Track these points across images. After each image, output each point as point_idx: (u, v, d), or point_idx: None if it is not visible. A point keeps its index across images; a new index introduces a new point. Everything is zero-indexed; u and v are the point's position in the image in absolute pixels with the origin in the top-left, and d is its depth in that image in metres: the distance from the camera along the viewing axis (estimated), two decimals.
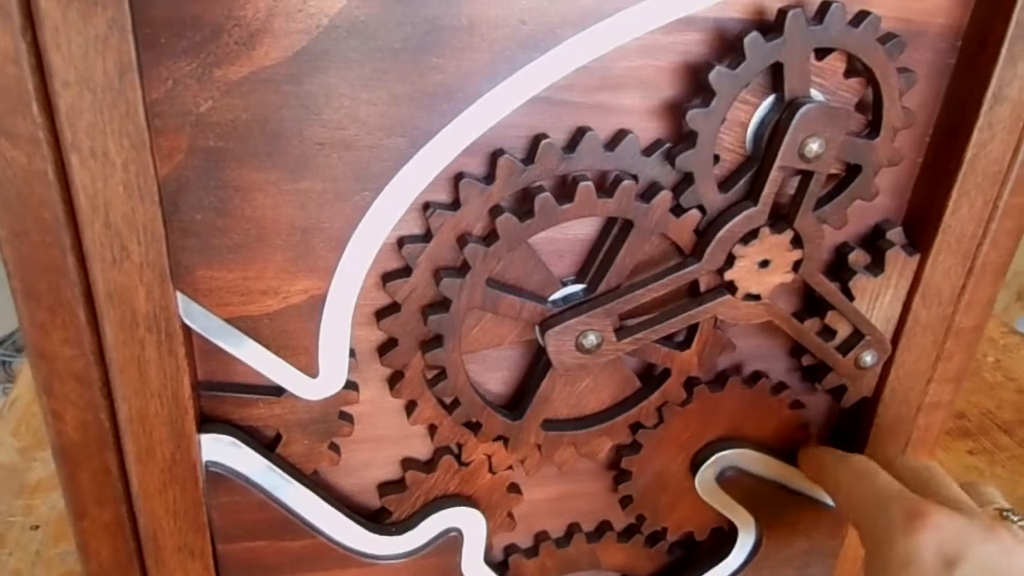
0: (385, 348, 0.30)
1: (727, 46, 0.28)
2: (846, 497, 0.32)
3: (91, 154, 0.24)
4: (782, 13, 0.26)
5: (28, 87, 0.23)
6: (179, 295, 0.27)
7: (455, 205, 0.28)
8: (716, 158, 0.29)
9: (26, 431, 0.58)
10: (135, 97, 0.23)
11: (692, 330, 0.33)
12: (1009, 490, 0.61)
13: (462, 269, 0.29)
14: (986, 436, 0.67)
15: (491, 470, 0.34)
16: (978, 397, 0.71)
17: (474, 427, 0.32)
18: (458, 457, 0.33)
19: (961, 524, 0.28)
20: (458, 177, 0.28)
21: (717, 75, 0.27)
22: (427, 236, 0.28)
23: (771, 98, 0.29)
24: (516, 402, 0.33)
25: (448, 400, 0.32)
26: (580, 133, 0.28)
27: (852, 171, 0.31)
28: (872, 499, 0.30)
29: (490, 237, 0.28)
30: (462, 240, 0.28)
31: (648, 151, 0.29)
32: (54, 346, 0.26)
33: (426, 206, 0.28)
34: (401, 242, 0.29)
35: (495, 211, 0.28)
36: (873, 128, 0.30)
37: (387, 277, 0.29)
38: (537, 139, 0.27)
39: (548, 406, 0.33)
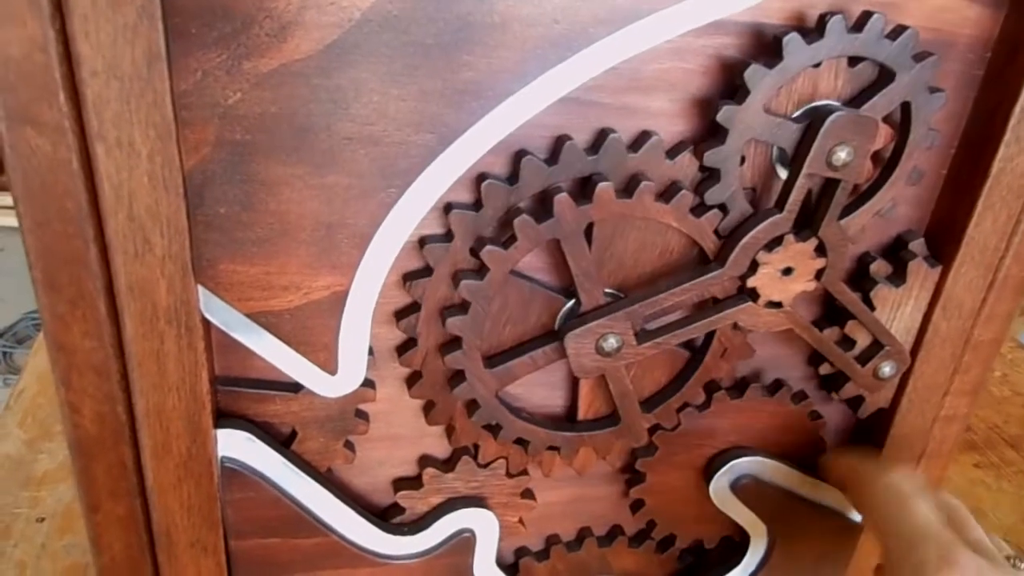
0: (404, 348, 0.30)
1: (759, 51, 0.27)
2: (882, 517, 0.32)
3: (117, 144, 0.23)
4: (823, 18, 0.26)
5: (55, 75, 0.22)
6: (200, 288, 0.27)
7: (478, 205, 0.28)
8: (742, 160, 0.29)
9: (32, 423, 0.58)
10: (163, 87, 0.23)
11: (711, 335, 0.33)
12: (1016, 504, 0.61)
13: (482, 271, 0.28)
14: (993, 450, 0.67)
15: (508, 473, 0.34)
16: (985, 411, 0.71)
17: (493, 429, 0.32)
18: (475, 458, 0.33)
19: (988, 573, 0.28)
20: (481, 177, 0.28)
21: (753, 72, 0.26)
22: (450, 235, 0.28)
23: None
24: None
25: (466, 402, 0.31)
26: (604, 135, 0.27)
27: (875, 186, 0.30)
28: (909, 530, 0.30)
29: (510, 240, 0.28)
30: (481, 242, 0.28)
31: (672, 153, 0.28)
32: (74, 338, 0.26)
33: (447, 207, 0.28)
34: (423, 241, 0.28)
35: (514, 212, 0.28)
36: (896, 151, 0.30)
37: (408, 276, 0.29)
38: (561, 140, 0.27)
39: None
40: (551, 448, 0.33)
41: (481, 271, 0.28)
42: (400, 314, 0.30)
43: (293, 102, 0.25)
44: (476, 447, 0.33)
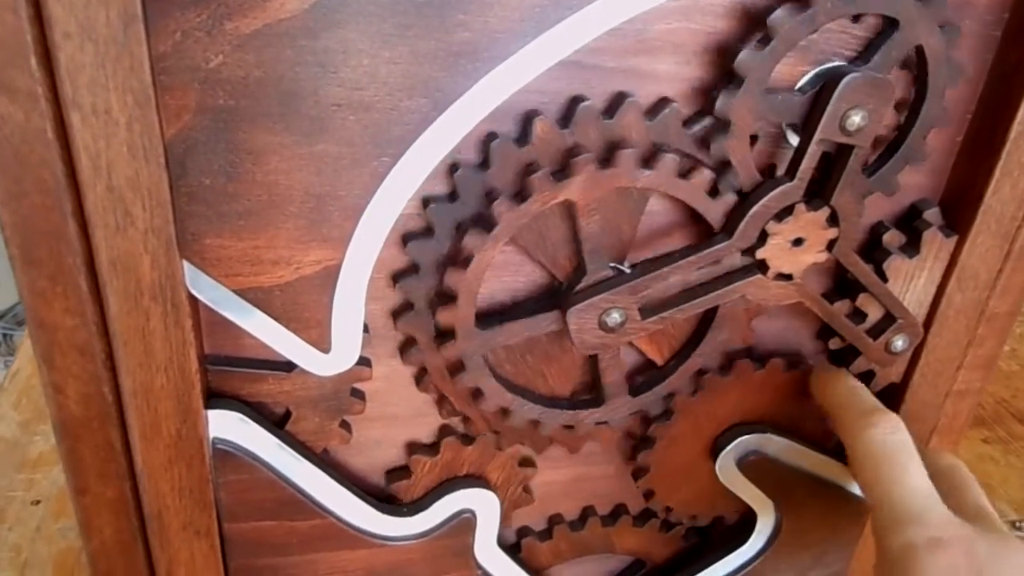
0: (400, 312, 0.29)
1: (767, 8, 0.26)
2: (866, 481, 0.30)
3: (93, 112, 0.22)
4: None
5: (26, 38, 0.21)
6: (186, 264, 0.26)
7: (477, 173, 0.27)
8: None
9: (27, 404, 0.57)
10: (140, 51, 0.22)
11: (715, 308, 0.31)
12: None
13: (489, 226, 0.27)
14: (1001, 425, 0.66)
15: (499, 447, 0.33)
16: (993, 386, 0.70)
17: (477, 396, 0.31)
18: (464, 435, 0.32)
19: (983, 548, 0.27)
20: (486, 139, 0.26)
21: (778, 17, 0.25)
22: (453, 196, 0.27)
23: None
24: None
25: (453, 364, 0.30)
26: (613, 99, 0.26)
27: (901, 134, 0.29)
28: (896, 503, 0.29)
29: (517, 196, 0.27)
30: (490, 196, 0.27)
31: (684, 121, 0.27)
32: (55, 316, 0.25)
33: (453, 167, 0.27)
34: (426, 202, 0.27)
35: (528, 169, 0.27)
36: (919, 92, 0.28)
37: (408, 237, 0.28)
38: (568, 103, 0.26)
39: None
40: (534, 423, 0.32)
41: (488, 226, 0.27)
42: (398, 276, 0.28)
43: (278, 65, 0.23)
44: (466, 420, 0.32)
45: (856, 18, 0.27)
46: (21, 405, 0.58)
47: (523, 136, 0.26)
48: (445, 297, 0.28)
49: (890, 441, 0.30)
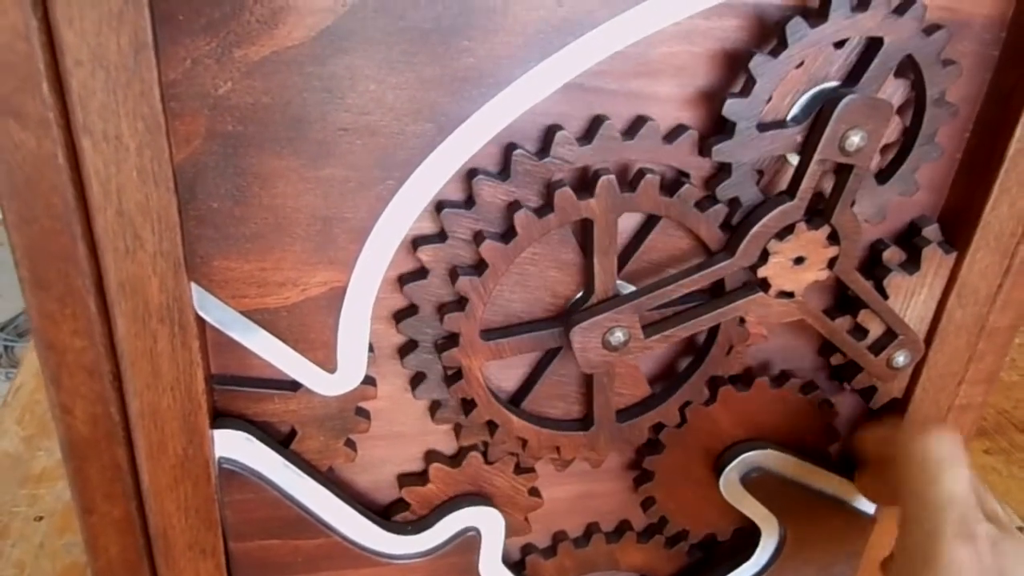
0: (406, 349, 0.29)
1: (767, 33, 0.26)
2: (909, 483, 0.30)
3: (104, 137, 0.23)
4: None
5: (38, 65, 0.21)
6: (194, 286, 0.26)
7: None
8: None
9: (31, 419, 0.57)
10: (151, 77, 0.22)
11: (716, 328, 0.32)
12: None
13: (480, 266, 0.28)
14: (1003, 435, 0.66)
15: (517, 469, 0.33)
16: (994, 397, 0.70)
17: (492, 427, 0.31)
18: (484, 455, 0.32)
19: (1008, 546, 0.28)
20: (507, 152, 0.27)
21: (758, 62, 0.26)
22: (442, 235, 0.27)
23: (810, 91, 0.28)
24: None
25: (464, 399, 0.30)
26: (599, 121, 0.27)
27: (909, 139, 0.29)
28: (933, 496, 0.29)
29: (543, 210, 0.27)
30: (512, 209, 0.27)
31: (680, 141, 0.28)
32: (64, 337, 0.25)
33: (471, 172, 0.27)
34: (440, 206, 0.27)
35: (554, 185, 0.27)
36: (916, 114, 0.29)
37: (407, 276, 0.28)
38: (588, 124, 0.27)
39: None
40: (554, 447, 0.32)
41: (506, 236, 0.27)
42: (399, 315, 0.29)
43: (286, 91, 0.24)
44: (485, 444, 0.32)
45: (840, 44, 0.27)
46: (25, 420, 0.58)
47: (543, 150, 0.27)
48: (453, 306, 0.29)
49: (939, 447, 0.30)
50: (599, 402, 0.32)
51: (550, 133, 0.26)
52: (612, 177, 0.27)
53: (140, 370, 0.26)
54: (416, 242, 0.28)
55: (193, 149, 0.24)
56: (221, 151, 0.24)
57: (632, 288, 0.30)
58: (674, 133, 0.27)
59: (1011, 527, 0.29)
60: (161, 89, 0.22)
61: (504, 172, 0.27)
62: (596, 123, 0.27)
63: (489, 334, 0.29)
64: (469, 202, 0.27)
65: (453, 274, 0.28)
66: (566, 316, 0.30)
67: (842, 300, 0.33)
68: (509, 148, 0.26)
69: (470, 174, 0.27)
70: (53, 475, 0.53)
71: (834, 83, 0.28)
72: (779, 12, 0.26)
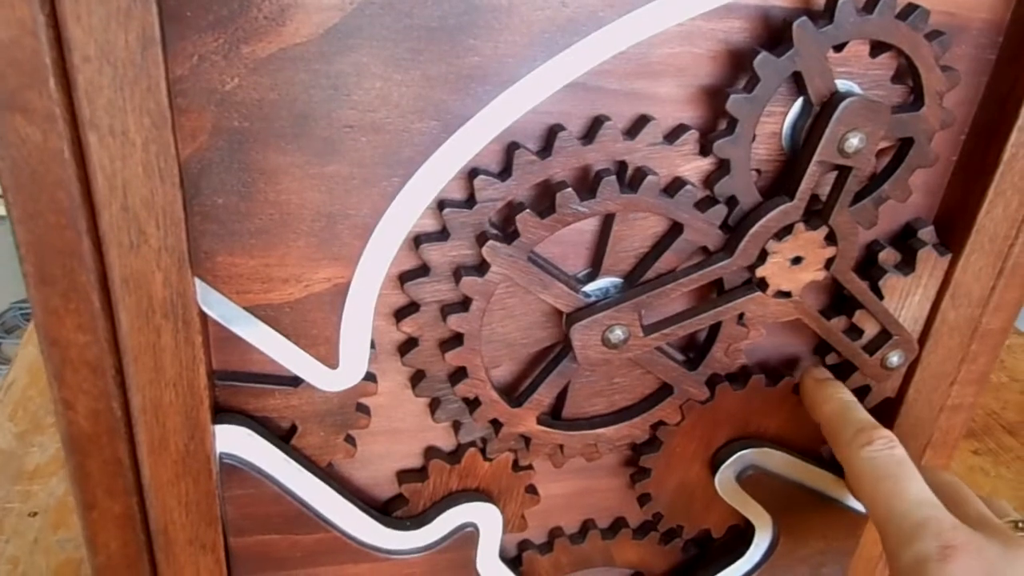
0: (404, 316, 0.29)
1: (769, 34, 0.27)
2: (868, 497, 0.30)
3: (110, 132, 0.23)
4: (832, 1, 0.25)
5: (45, 61, 0.21)
6: (197, 281, 0.26)
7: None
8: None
9: (23, 415, 0.57)
10: (158, 73, 0.22)
11: (715, 327, 0.32)
12: (1014, 490, 0.61)
13: (481, 267, 0.28)
14: (991, 437, 0.67)
15: (514, 467, 0.33)
16: (983, 398, 0.71)
17: (496, 425, 0.31)
18: (483, 452, 0.32)
19: (994, 552, 0.27)
20: (508, 151, 0.27)
21: (762, 61, 0.26)
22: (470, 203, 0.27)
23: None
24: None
25: (468, 398, 0.31)
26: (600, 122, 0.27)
27: (904, 146, 0.30)
28: (901, 517, 0.29)
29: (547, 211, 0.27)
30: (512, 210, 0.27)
31: (680, 141, 0.28)
32: (67, 332, 0.25)
33: (473, 172, 0.27)
34: (442, 204, 0.27)
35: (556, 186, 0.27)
36: (916, 98, 0.29)
37: (407, 275, 0.28)
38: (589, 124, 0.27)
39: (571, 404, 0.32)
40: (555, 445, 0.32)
41: (510, 236, 0.27)
42: (401, 312, 0.29)
43: (293, 88, 0.24)
44: (484, 441, 0.32)
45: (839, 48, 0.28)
46: (17, 416, 0.57)
47: (545, 149, 0.27)
48: (454, 307, 0.29)
49: (887, 456, 0.30)
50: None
51: (552, 132, 0.27)
52: (613, 178, 0.27)
53: (143, 365, 0.26)
54: (418, 239, 0.28)
55: (199, 145, 0.24)
56: (227, 147, 0.24)
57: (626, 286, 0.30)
58: (675, 133, 0.28)
59: (1001, 526, 0.29)
60: (168, 85, 0.22)
61: (505, 171, 0.27)
62: (597, 123, 0.27)
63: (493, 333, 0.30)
64: (471, 201, 0.27)
65: (456, 273, 0.28)
66: (565, 314, 0.30)
67: (838, 300, 0.33)
68: (511, 147, 0.27)
69: (472, 173, 0.27)
70: (47, 471, 0.52)
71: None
72: (782, 14, 0.26)
